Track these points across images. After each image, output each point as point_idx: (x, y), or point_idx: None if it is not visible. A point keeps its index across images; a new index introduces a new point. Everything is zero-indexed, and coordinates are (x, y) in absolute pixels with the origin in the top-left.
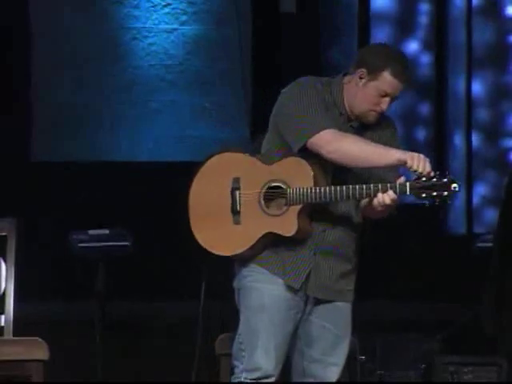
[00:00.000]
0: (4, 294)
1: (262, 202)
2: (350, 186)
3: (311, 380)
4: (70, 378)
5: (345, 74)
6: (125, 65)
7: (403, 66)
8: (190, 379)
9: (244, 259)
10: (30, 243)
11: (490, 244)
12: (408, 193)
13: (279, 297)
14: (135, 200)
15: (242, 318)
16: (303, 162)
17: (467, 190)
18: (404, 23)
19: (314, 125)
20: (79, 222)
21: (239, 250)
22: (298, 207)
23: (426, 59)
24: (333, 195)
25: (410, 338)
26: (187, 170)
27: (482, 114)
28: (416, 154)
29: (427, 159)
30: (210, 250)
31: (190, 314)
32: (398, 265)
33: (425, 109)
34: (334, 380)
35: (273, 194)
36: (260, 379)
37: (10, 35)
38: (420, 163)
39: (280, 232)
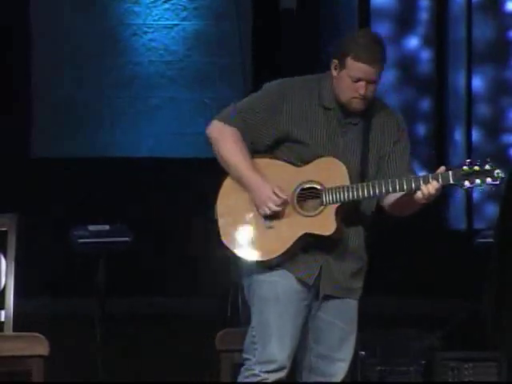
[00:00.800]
0: (4, 289)
1: (296, 203)
2: (389, 180)
3: (318, 375)
4: (69, 375)
5: None
6: (125, 61)
7: (365, 48)
8: (191, 378)
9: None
10: (30, 239)
11: (490, 240)
12: (451, 181)
13: (292, 288)
14: (135, 196)
15: (254, 310)
16: (337, 161)
17: None
18: (404, 19)
19: (232, 114)
20: (79, 218)
21: (275, 254)
22: (335, 206)
23: (426, 55)
24: (371, 190)
25: (411, 333)
26: (187, 167)
27: (482, 110)
28: (262, 192)
29: (272, 199)
30: (241, 256)
31: (190, 310)
32: (398, 261)
33: (425, 104)
34: (341, 375)
35: (304, 196)
36: (275, 371)
37: (10, 35)
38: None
39: (318, 232)
